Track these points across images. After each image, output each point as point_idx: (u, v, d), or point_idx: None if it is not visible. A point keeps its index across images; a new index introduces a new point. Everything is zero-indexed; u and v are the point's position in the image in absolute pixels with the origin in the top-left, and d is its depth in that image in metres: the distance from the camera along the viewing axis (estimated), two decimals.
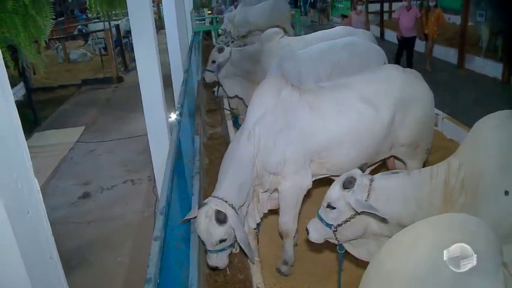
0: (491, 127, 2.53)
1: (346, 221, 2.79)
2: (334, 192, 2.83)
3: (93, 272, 4.46)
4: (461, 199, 2.55)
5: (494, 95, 8.36)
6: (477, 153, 2.52)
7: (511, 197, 2.26)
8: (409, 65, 9.62)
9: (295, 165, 3.49)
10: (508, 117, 2.52)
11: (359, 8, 10.48)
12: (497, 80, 9.38)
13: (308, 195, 3.71)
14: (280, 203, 3.65)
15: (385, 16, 16.75)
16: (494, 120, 2.55)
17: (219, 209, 3.10)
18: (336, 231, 2.84)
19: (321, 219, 2.89)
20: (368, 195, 2.71)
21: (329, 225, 2.85)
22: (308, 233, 2.98)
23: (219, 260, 3.26)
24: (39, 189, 1.67)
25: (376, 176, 2.86)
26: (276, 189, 3.64)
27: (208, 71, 6.49)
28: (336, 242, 2.95)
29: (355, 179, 2.77)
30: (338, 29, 6.60)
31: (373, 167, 4.05)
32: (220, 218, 3.07)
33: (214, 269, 3.38)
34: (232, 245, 3.26)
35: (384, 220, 2.64)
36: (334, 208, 2.81)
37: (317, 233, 2.94)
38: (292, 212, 3.62)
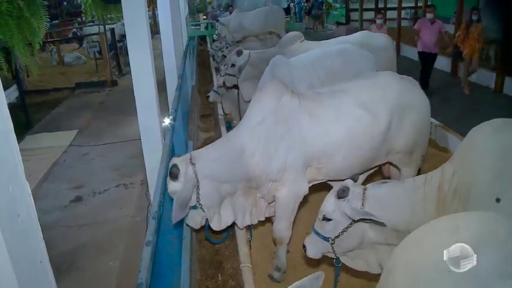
0: (485, 134, 2.55)
1: (343, 232, 2.78)
2: (329, 204, 2.82)
3: (84, 277, 4.42)
4: (453, 206, 2.56)
5: (486, 103, 8.44)
6: (470, 160, 2.54)
7: (502, 205, 2.26)
8: (425, 84, 8.66)
9: (294, 171, 3.50)
10: (502, 125, 2.55)
11: (378, 21, 9.61)
12: (489, 89, 9.46)
13: (302, 200, 3.71)
14: (276, 210, 3.65)
15: None
16: (489, 128, 2.57)
17: (177, 163, 3.21)
18: (334, 243, 2.82)
19: (317, 234, 2.87)
20: (362, 203, 2.72)
21: (326, 239, 2.83)
22: (305, 250, 2.94)
23: (190, 219, 3.41)
24: (30, 192, 1.65)
25: (369, 185, 2.87)
26: (273, 197, 3.63)
27: (229, 75, 6.45)
28: (333, 256, 2.93)
29: (348, 189, 2.78)
30: (357, 34, 6.62)
31: (369, 172, 4.07)
32: (173, 173, 3.19)
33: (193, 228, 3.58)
34: (195, 207, 3.31)
35: (382, 224, 2.63)
36: (330, 220, 2.80)
37: (314, 248, 2.91)
38: (288, 219, 3.62)
